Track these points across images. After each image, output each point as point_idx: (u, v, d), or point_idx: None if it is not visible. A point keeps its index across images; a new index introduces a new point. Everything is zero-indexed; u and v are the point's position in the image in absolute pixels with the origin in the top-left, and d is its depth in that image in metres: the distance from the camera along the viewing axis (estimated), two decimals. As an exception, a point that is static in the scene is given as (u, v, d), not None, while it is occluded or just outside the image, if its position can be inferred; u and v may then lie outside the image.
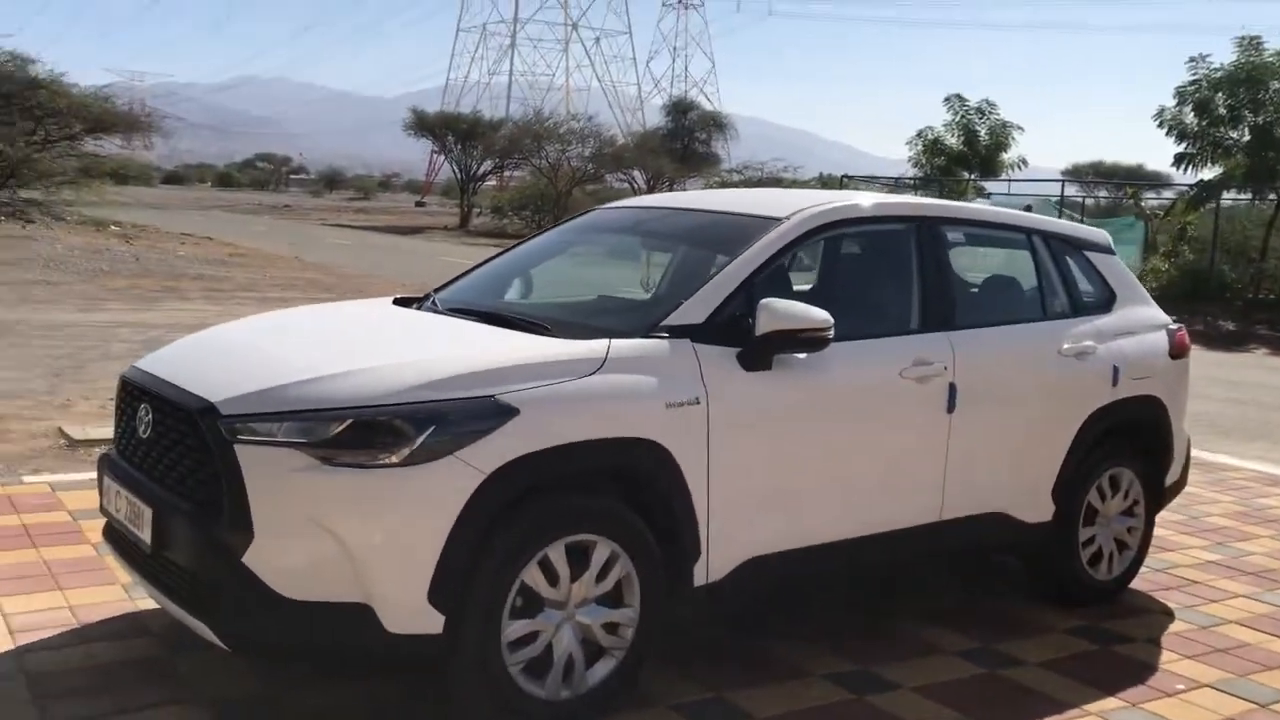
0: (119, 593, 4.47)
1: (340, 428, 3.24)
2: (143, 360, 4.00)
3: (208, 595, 3.33)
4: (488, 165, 57.46)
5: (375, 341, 3.94)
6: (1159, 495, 5.39)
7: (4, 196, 32.69)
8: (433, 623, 3.27)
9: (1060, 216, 28.10)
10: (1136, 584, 5.39)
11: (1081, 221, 30.36)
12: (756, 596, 4.33)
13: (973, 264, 5.56)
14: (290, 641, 3.31)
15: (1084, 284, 5.24)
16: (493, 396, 3.35)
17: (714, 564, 3.84)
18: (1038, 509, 4.83)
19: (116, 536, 3.88)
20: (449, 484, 3.26)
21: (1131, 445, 5.22)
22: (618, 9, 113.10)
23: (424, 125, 58.53)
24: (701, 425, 3.73)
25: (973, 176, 32.07)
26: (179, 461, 3.47)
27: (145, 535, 3.52)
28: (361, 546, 3.21)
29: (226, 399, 3.36)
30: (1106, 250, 5.45)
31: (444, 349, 3.75)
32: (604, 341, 3.68)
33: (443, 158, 63.94)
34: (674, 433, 3.66)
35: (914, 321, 4.53)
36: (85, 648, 4.00)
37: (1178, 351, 5.38)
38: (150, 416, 3.64)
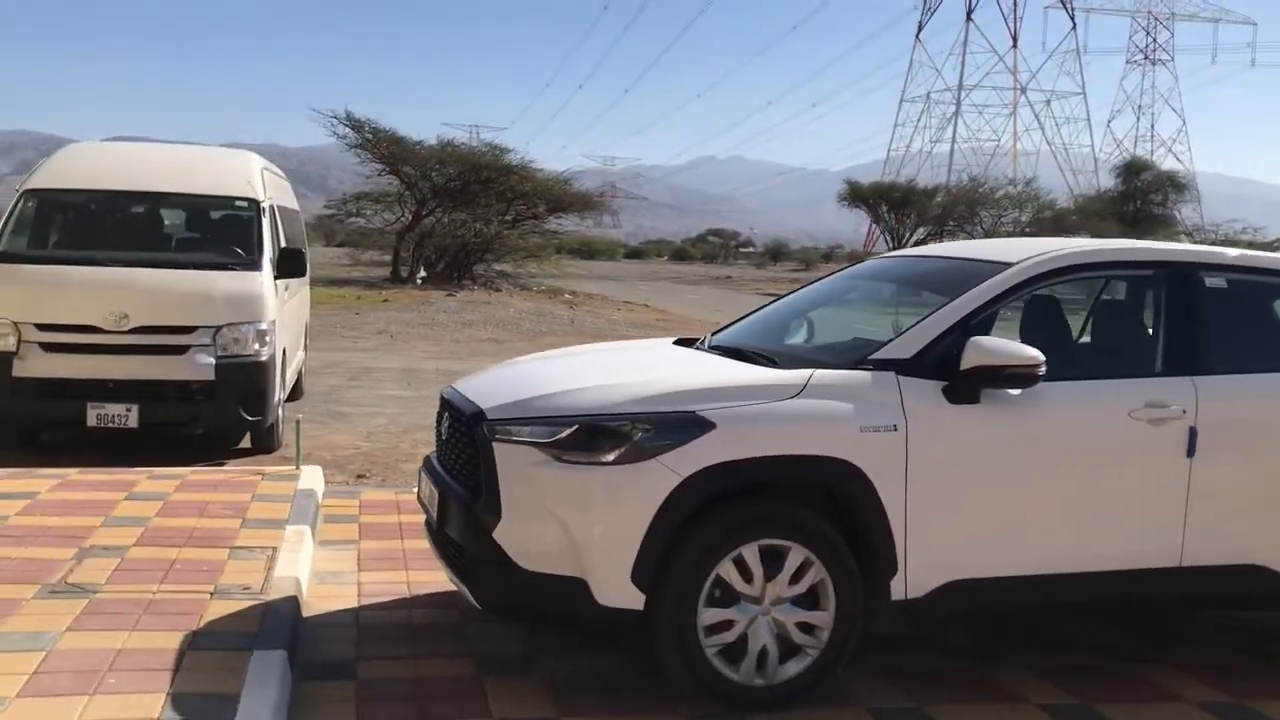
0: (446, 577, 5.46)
1: (568, 431, 3.96)
2: (458, 382, 4.96)
3: (469, 564, 4.17)
4: (921, 233, 57.33)
5: (622, 368, 4.63)
6: None
7: (480, 269, 37.44)
8: (635, 599, 3.88)
9: None
10: None
11: None
12: (964, 619, 4.53)
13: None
14: (525, 605, 4.08)
15: None
16: (693, 411, 3.94)
17: (913, 581, 4.13)
18: (1313, 566, 4.59)
19: (428, 522, 4.83)
20: (651, 483, 3.87)
21: None
22: (1070, 70, 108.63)
23: (858, 196, 59.67)
24: (899, 450, 4.07)
25: None
26: (460, 456, 4.36)
27: (434, 514, 4.44)
28: (579, 529, 3.90)
29: (492, 407, 4.20)
30: None
31: (666, 374, 4.38)
32: (808, 371, 4.15)
33: (877, 227, 64.60)
34: (869, 455, 4.03)
35: (1154, 365, 4.54)
36: (407, 612, 5.00)
37: None
38: (448, 422, 4.57)
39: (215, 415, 8.11)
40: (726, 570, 3.97)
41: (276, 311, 8.55)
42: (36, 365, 7.80)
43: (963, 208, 52.12)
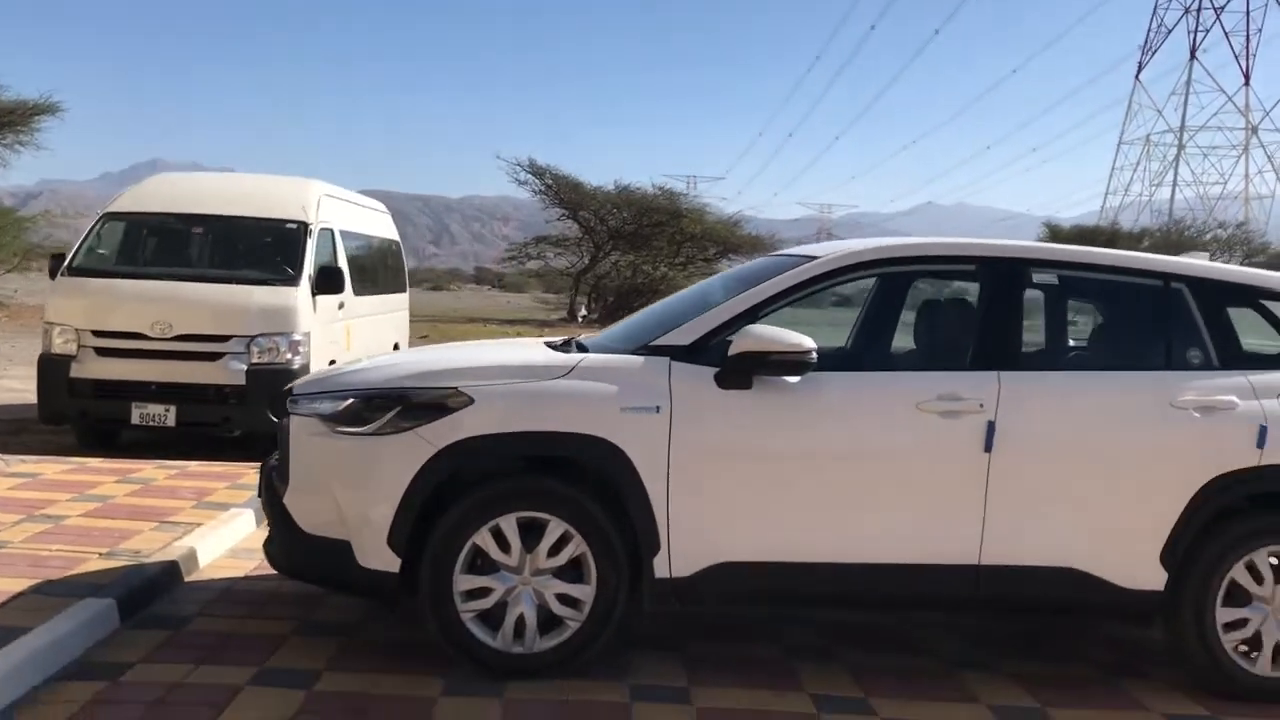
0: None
1: (344, 405, 4.27)
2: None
3: (270, 528, 4.52)
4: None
5: (442, 355, 4.86)
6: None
7: (651, 309, 38.17)
8: (391, 563, 4.14)
9: None
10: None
11: None
12: (739, 601, 4.56)
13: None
14: (303, 566, 4.41)
15: (1251, 336, 4.64)
16: (455, 387, 4.18)
17: (678, 560, 4.22)
18: (1137, 573, 4.38)
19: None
20: (408, 452, 4.13)
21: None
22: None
23: (1058, 240, 57.48)
24: (662, 431, 4.18)
25: None
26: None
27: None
28: (343, 495, 4.19)
29: (299, 384, 4.57)
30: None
31: (455, 355, 4.63)
32: (578, 355, 4.33)
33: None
34: (628, 434, 4.16)
35: (961, 359, 4.46)
36: (278, 583, 5.29)
37: None
38: (290, 404, 4.96)
39: (245, 417, 8.79)
40: (483, 539, 4.16)
41: (312, 324, 9.20)
42: (91, 368, 8.70)
43: (1168, 251, 49.47)
